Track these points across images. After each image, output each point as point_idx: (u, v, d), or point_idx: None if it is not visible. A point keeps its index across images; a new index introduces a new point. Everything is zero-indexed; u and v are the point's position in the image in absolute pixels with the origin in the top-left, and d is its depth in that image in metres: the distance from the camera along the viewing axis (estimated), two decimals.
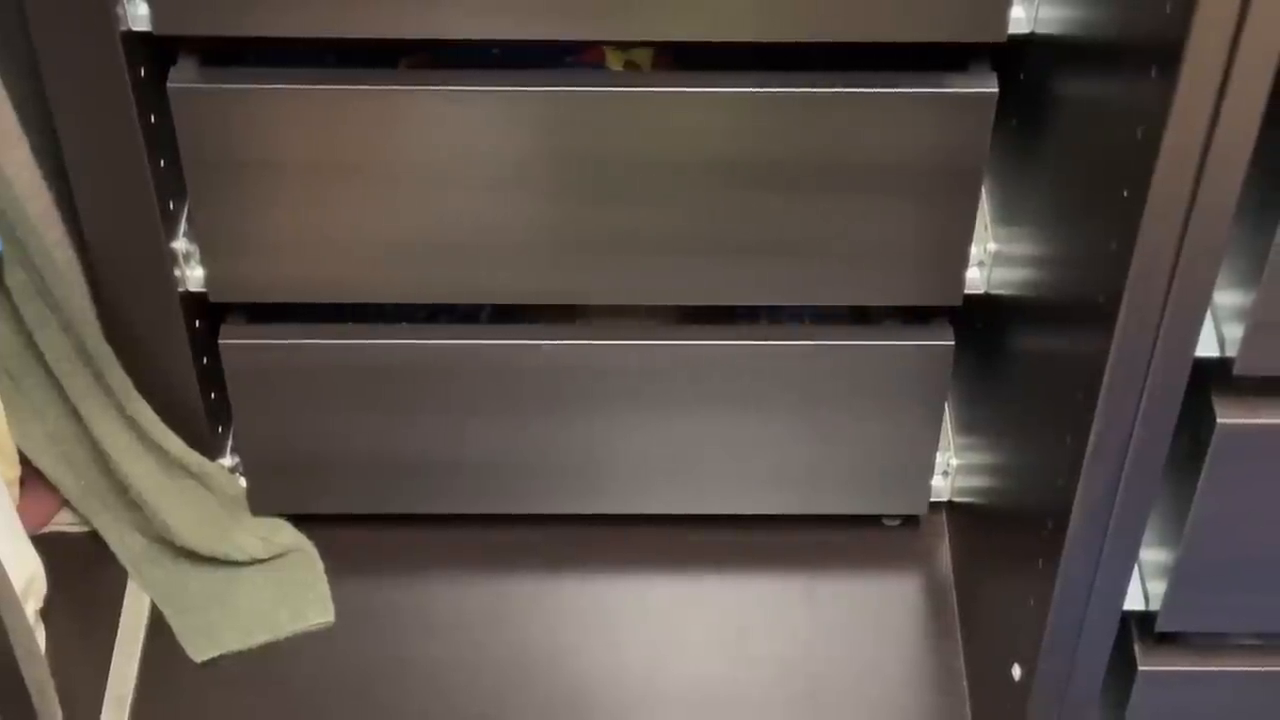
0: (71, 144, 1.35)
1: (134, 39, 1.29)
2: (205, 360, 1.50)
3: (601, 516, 1.61)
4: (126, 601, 1.57)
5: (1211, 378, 1.14)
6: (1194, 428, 1.16)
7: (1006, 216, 1.39)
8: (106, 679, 1.52)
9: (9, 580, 1.31)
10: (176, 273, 1.43)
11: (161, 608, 1.56)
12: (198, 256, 1.42)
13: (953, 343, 1.47)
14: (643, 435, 1.53)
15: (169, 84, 1.32)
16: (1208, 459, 1.15)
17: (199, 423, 1.54)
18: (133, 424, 1.50)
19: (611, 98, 1.32)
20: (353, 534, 1.61)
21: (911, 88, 1.31)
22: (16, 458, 1.54)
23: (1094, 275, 1.15)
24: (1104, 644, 1.29)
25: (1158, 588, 1.25)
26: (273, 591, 1.57)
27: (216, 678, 1.53)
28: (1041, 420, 1.30)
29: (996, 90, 1.31)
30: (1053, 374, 1.27)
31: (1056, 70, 1.25)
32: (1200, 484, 1.17)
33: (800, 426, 1.53)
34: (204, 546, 1.56)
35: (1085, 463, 1.18)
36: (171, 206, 1.41)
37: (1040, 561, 1.28)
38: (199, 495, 1.56)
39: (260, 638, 1.55)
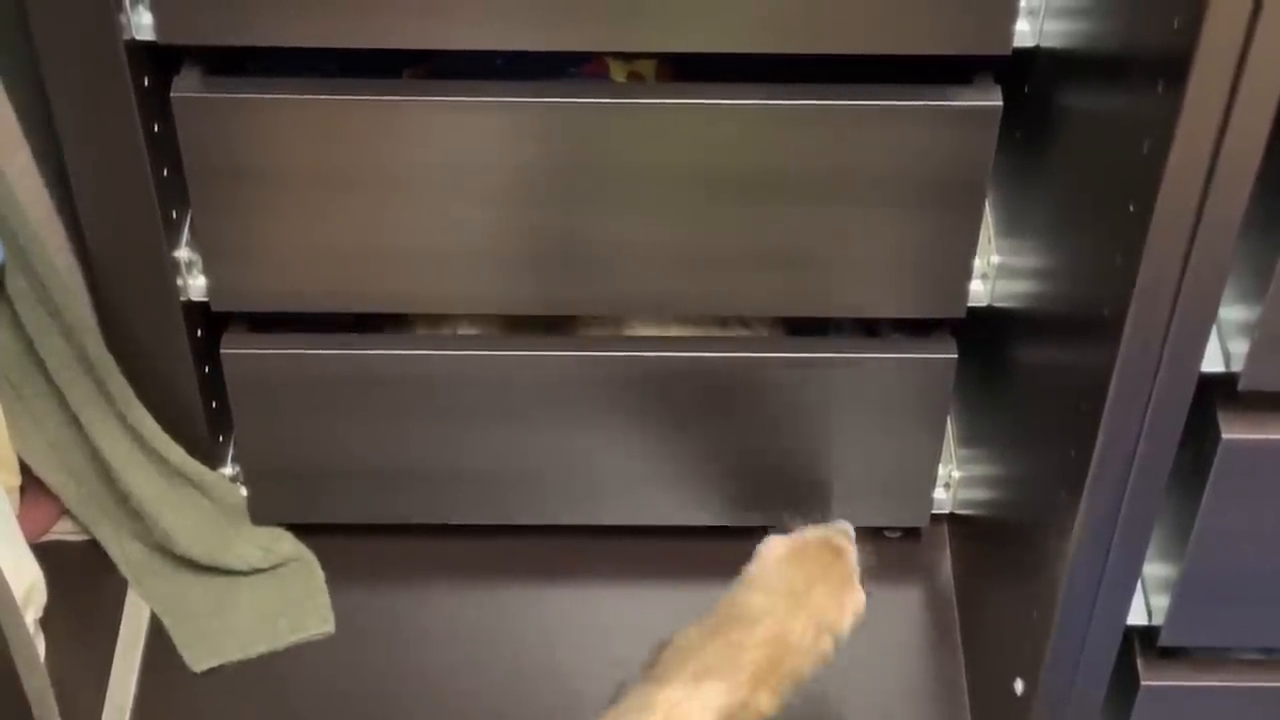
0: (74, 152, 1.35)
1: (138, 48, 1.29)
2: (206, 369, 1.50)
3: (602, 527, 1.60)
4: (126, 610, 1.57)
5: (1216, 393, 1.14)
6: (1198, 443, 1.16)
7: (1010, 229, 1.39)
8: (106, 688, 1.52)
9: (9, 589, 1.31)
10: (178, 281, 1.43)
11: (161, 617, 1.56)
12: (200, 265, 1.42)
13: (955, 355, 1.47)
14: (644, 446, 1.53)
15: (172, 93, 1.32)
16: (1212, 474, 1.15)
17: (200, 431, 1.54)
18: (133, 432, 1.50)
19: (615, 109, 1.32)
20: (353, 544, 1.61)
21: (916, 101, 1.31)
22: (17, 466, 1.54)
23: (1099, 289, 1.15)
24: (1106, 658, 1.29)
25: (1161, 602, 1.25)
26: (273, 601, 1.57)
27: (216, 687, 1.53)
28: (1045, 434, 1.30)
29: (1001, 103, 1.31)
30: (1056, 387, 1.27)
31: (1061, 84, 1.25)
32: (1204, 499, 1.17)
33: (802, 438, 1.52)
34: (204, 555, 1.56)
35: (1089, 477, 1.18)
36: (174, 215, 1.40)
37: (1043, 575, 1.28)
38: (199, 504, 1.56)
39: (260, 647, 1.54)
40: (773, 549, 1.36)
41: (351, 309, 1.46)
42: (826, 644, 1.33)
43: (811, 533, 1.38)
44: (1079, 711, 1.32)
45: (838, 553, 1.36)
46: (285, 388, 1.49)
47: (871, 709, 1.52)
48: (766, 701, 1.30)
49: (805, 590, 1.33)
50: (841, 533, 1.39)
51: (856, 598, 1.35)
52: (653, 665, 1.33)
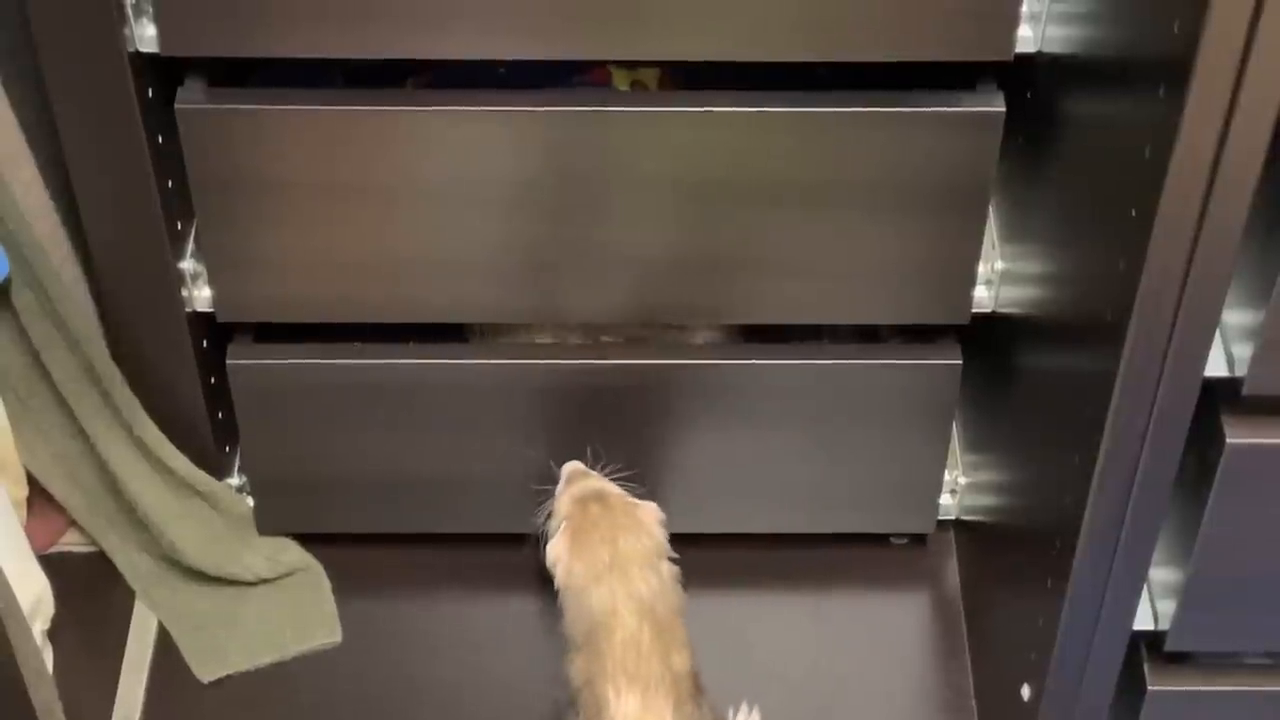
0: (79, 164, 1.35)
1: (141, 60, 1.30)
2: (212, 380, 1.50)
3: None
4: (134, 621, 1.57)
5: (1220, 397, 1.13)
6: (1203, 447, 1.16)
7: (1014, 235, 1.39)
8: (114, 699, 1.52)
9: (16, 600, 1.31)
10: (184, 293, 1.43)
11: (169, 628, 1.56)
12: (205, 276, 1.42)
13: (960, 361, 1.47)
14: (650, 454, 1.53)
15: (176, 104, 1.32)
16: (1217, 479, 1.15)
17: (206, 442, 1.54)
18: (140, 443, 1.50)
19: (617, 117, 1.32)
20: (360, 553, 1.61)
21: (919, 107, 1.31)
22: (24, 477, 1.54)
23: (1102, 294, 1.15)
24: (1113, 664, 1.29)
25: (1167, 607, 1.25)
26: (280, 611, 1.57)
27: (224, 698, 1.53)
28: (1049, 439, 1.30)
29: (1004, 109, 1.31)
30: (1060, 393, 1.27)
31: (1064, 89, 1.25)
32: (1209, 504, 1.17)
33: (808, 445, 1.52)
34: (211, 566, 1.56)
35: (1094, 482, 1.18)
36: (179, 226, 1.41)
37: (1049, 581, 1.28)
38: (206, 515, 1.56)
39: (267, 658, 1.55)
40: (558, 557, 1.40)
41: (356, 319, 1.46)
42: (667, 568, 1.38)
43: (565, 507, 1.42)
44: (1086, 717, 1.32)
45: (600, 500, 1.40)
46: (291, 398, 1.49)
47: (878, 715, 1.52)
48: (680, 659, 1.35)
49: (613, 556, 1.37)
50: (579, 482, 1.43)
51: (644, 513, 1.41)
52: (580, 709, 1.36)
